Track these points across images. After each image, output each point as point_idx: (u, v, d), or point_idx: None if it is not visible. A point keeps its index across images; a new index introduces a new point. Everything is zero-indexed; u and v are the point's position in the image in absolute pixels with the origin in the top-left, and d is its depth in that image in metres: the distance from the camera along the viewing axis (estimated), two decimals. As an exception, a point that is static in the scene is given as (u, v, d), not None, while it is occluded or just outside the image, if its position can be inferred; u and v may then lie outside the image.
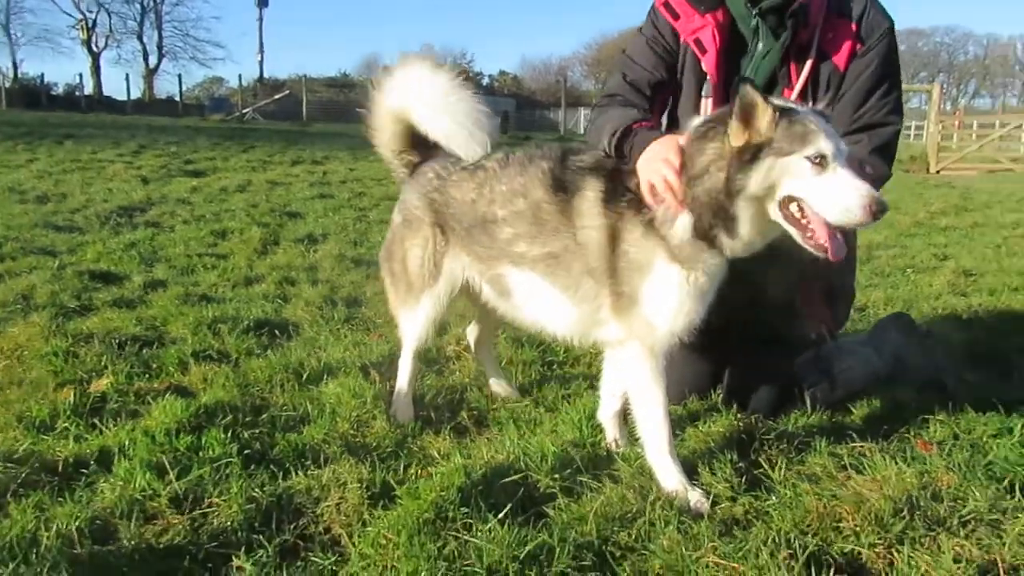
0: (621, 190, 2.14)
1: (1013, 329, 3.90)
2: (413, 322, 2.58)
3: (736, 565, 1.66)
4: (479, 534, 1.78)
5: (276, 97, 40.16)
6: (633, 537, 1.82)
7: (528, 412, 2.67)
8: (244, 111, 34.18)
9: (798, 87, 2.43)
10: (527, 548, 1.73)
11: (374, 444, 2.37)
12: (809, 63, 2.43)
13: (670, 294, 2.06)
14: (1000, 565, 1.68)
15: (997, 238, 7.03)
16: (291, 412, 2.57)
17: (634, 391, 2.21)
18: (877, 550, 1.75)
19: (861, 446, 2.28)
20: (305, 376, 2.88)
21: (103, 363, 2.96)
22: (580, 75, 64.67)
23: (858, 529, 1.81)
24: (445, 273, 2.50)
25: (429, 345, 3.29)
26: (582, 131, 40.64)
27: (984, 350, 3.45)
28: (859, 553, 1.76)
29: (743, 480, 2.08)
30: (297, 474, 2.11)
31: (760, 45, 2.47)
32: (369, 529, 1.84)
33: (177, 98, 37.69)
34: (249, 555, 1.73)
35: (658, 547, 1.76)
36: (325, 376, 2.87)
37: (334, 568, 1.72)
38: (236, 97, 39.28)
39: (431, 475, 2.07)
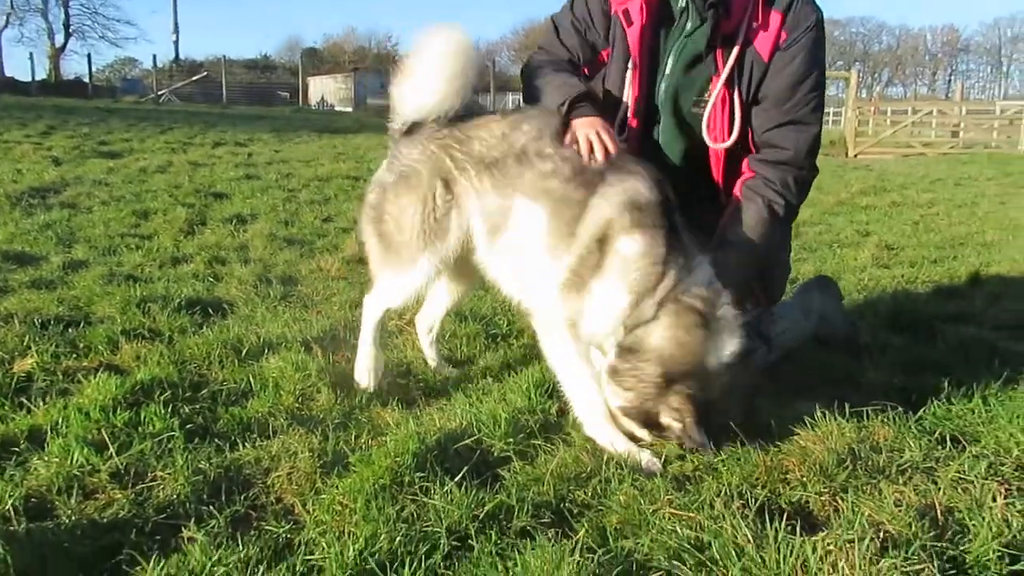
0: None
1: (934, 297, 4.09)
2: (400, 284, 2.45)
3: (692, 515, 1.69)
4: (437, 497, 1.76)
5: (194, 79, 38.81)
6: (590, 495, 1.84)
7: (476, 382, 2.65)
8: (160, 93, 32.89)
9: (724, 74, 2.46)
10: (486, 508, 1.73)
11: (321, 416, 2.32)
12: (735, 51, 2.44)
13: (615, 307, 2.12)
14: (937, 508, 1.75)
15: (915, 215, 7.37)
16: (233, 387, 2.49)
17: (561, 369, 2.25)
18: (823, 498, 1.81)
19: (802, 405, 2.35)
20: (244, 351, 2.80)
21: (25, 343, 2.81)
22: (508, 60, 64.50)
23: (804, 480, 1.87)
24: (452, 229, 2.39)
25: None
26: (510, 116, 40.72)
27: (908, 319, 3.60)
28: (807, 501, 1.82)
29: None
30: (244, 446, 2.06)
31: (688, 24, 2.49)
32: (323, 497, 1.80)
33: (86, 79, 35.83)
34: (200, 525, 1.67)
35: (615, 503, 1.78)
36: (266, 351, 2.79)
37: (288, 536, 1.68)
38: (151, 79, 37.73)
39: (384, 443, 2.03)
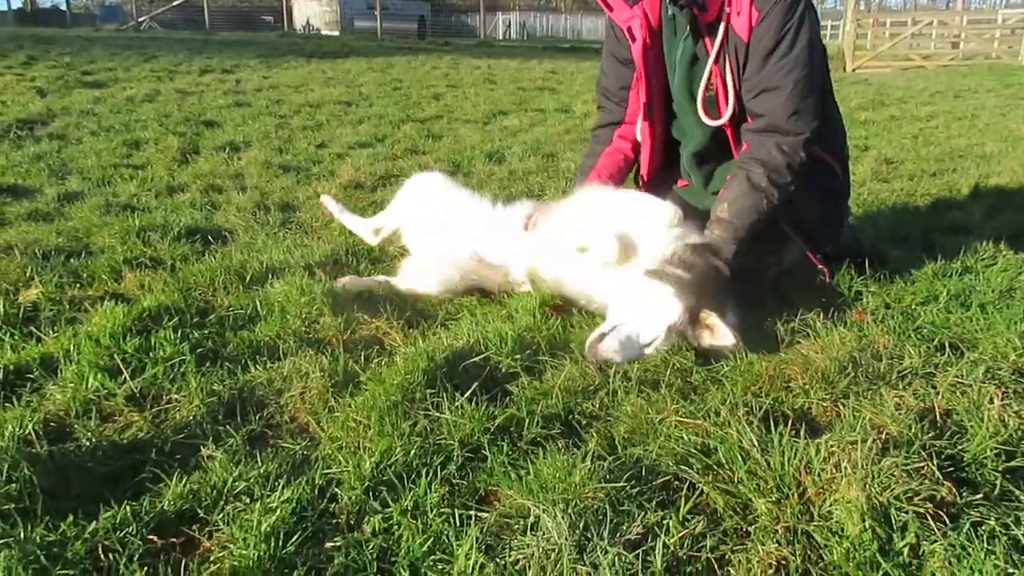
0: None
1: (933, 210, 4.09)
2: None
3: (698, 422, 1.73)
4: (448, 412, 1.80)
5: (174, 3, 37.58)
6: (597, 406, 1.88)
7: (481, 304, 2.68)
8: (140, 20, 31.90)
9: (712, 56, 2.58)
10: (497, 421, 1.77)
11: (328, 339, 2.34)
12: (719, 38, 2.55)
13: None
14: (936, 410, 1.80)
15: (914, 129, 7.30)
16: (239, 312, 2.51)
17: None
18: (824, 404, 1.86)
19: (804, 317, 2.38)
20: (248, 277, 2.80)
21: (29, 274, 2.81)
22: (497, -22, 62.54)
23: (807, 387, 1.91)
24: None
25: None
26: (500, 37, 39.75)
27: (907, 231, 3.61)
28: (809, 407, 1.86)
29: (694, 353, 2.16)
30: (256, 368, 2.08)
31: (677, 30, 2.66)
32: (337, 415, 1.84)
33: (64, 7, 34.73)
34: (218, 444, 1.71)
35: (623, 413, 1.82)
36: (269, 277, 2.80)
37: (305, 452, 1.72)
38: (130, 5, 36.55)
39: (394, 362, 2.06)
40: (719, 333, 2.15)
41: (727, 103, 2.61)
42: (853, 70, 19.06)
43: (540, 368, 2.08)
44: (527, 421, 1.77)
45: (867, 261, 2.88)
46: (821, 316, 2.42)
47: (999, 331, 2.33)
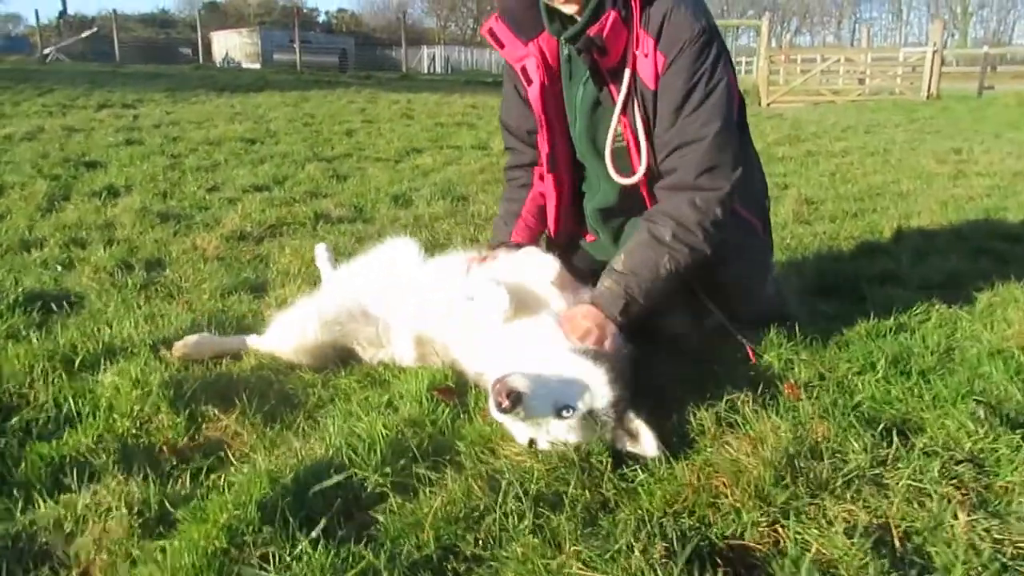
0: None
1: (858, 255, 3.89)
2: None
3: (605, 572, 1.36)
4: (286, 562, 1.38)
5: (83, 35, 36.19)
6: (481, 542, 1.49)
7: (358, 389, 2.27)
8: (46, 51, 30.52)
9: (618, 107, 2.26)
10: (350, 574, 1.36)
11: (160, 446, 1.89)
12: (624, 86, 2.23)
13: None
14: (893, 531, 1.48)
15: (830, 166, 7.25)
16: (52, 413, 2.03)
17: None
18: (761, 528, 1.51)
19: (731, 398, 2.05)
20: (78, 362, 2.33)
21: None
22: (421, 12, 62.96)
23: (738, 504, 1.57)
24: None
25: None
26: (425, 70, 39.63)
27: (834, 280, 3.38)
28: (742, 532, 1.51)
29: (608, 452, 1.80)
30: (47, 501, 1.62)
31: (586, 71, 2.29)
32: (139, 570, 1.40)
33: (-38, 37, 32.97)
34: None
35: (512, 554, 1.44)
36: (104, 361, 2.33)
37: (84, 636, 1.28)
38: (35, 37, 35.01)
39: (226, 487, 1.63)
40: (643, 441, 1.79)
41: (640, 158, 2.29)
42: (768, 104, 19.51)
43: (416, 485, 1.68)
44: (389, 570, 1.37)
45: (795, 323, 2.59)
46: (750, 397, 2.10)
47: (946, 409, 2.05)
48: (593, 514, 1.59)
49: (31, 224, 4.38)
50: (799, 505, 1.55)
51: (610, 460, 1.75)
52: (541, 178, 2.58)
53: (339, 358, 2.45)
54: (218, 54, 40.14)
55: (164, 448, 1.86)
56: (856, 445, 1.79)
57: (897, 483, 1.65)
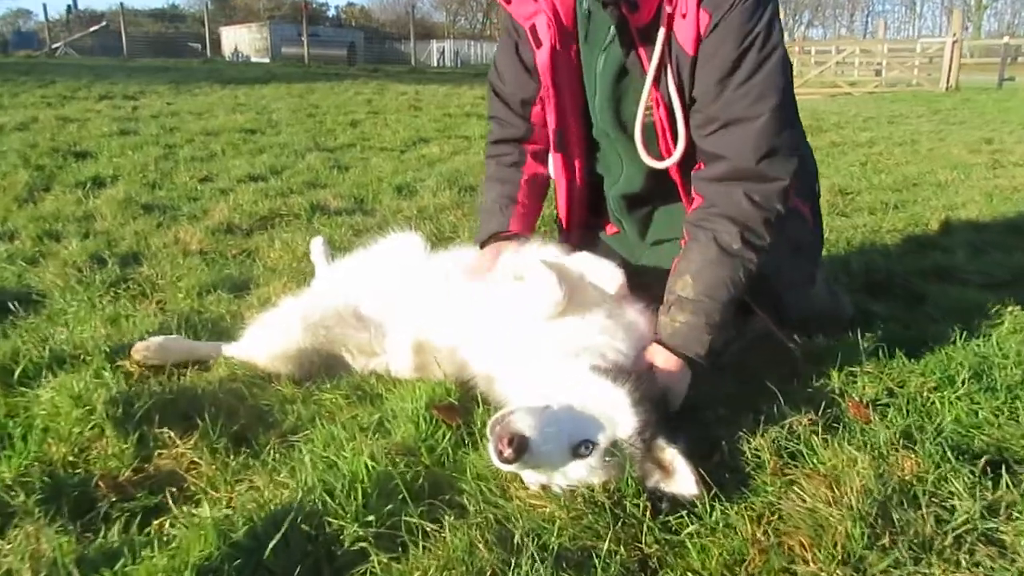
0: None
1: (905, 249, 3.52)
2: None
3: None
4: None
5: (92, 30, 36.01)
6: (489, 624, 1.15)
7: (346, 406, 1.93)
8: (54, 46, 30.34)
9: (649, 75, 1.89)
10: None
11: (101, 479, 1.55)
12: (658, 51, 1.86)
13: None
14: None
15: (859, 156, 6.86)
16: (-25, 436, 1.70)
17: None
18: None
19: (791, 420, 1.70)
20: (18, 372, 1.99)
21: None
22: (430, 6, 62.65)
23: (823, 573, 1.21)
24: None
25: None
26: (435, 64, 39.25)
27: (884, 277, 3.01)
28: None
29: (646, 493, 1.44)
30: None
31: (611, 30, 1.93)
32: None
33: (-29, 32, 32.83)
34: None
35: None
36: (47, 372, 1.99)
37: None
38: (44, 32, 34.84)
39: (160, 544, 1.29)
40: (679, 477, 1.43)
41: (671, 138, 1.93)
42: (784, 96, 19.08)
43: (406, 539, 1.33)
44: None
45: (852, 327, 2.23)
46: (808, 419, 1.74)
47: (1050, 434, 1.69)
48: (630, 582, 1.24)
49: (5, 215, 4.05)
50: (903, 574, 1.19)
51: (648, 504, 1.40)
52: (535, 156, 2.22)
53: (325, 367, 2.11)
54: (227, 49, 39.87)
55: (101, 483, 1.52)
56: (957, 485, 1.43)
57: (1018, 539, 1.29)
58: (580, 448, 1.42)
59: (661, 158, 1.97)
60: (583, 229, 2.27)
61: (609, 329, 1.76)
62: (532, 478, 1.47)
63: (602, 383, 1.54)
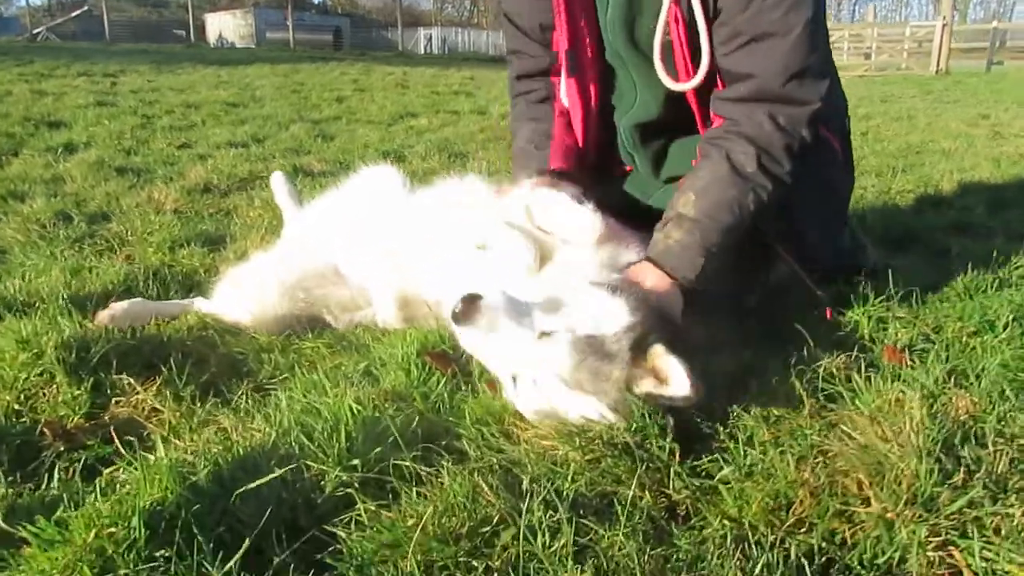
0: None
1: (920, 208, 3.36)
2: None
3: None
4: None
5: (74, 14, 35.41)
6: (496, 574, 0.96)
7: (328, 355, 1.74)
8: (36, 31, 29.76)
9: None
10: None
11: (48, 424, 1.36)
12: None
13: None
14: None
15: (858, 127, 6.70)
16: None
17: None
18: (929, 552, 0.98)
19: (820, 364, 1.53)
20: (-36, 320, 1.79)
21: None
22: (417, -9, 62.08)
23: (890, 514, 1.03)
24: None
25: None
26: (421, 51, 38.82)
27: (901, 234, 2.85)
28: (904, 558, 0.98)
29: (669, 435, 1.26)
30: None
31: None
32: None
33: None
34: None
35: (546, 596, 0.91)
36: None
37: None
38: (26, 18, 34.21)
39: (111, 489, 1.10)
40: (672, 375, 1.26)
41: (693, 56, 1.74)
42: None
43: (397, 485, 1.14)
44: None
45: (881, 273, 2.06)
46: (843, 361, 1.57)
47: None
48: (661, 528, 1.06)
49: (-32, 178, 3.82)
50: (981, 515, 1.02)
51: (676, 446, 1.22)
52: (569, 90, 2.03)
53: (306, 324, 1.93)
54: (212, 35, 39.27)
55: (47, 430, 1.33)
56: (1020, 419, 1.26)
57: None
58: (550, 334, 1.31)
59: (678, 82, 1.78)
60: (597, 166, 2.08)
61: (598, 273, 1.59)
62: (500, 369, 1.35)
63: (592, 288, 1.39)
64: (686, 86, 1.76)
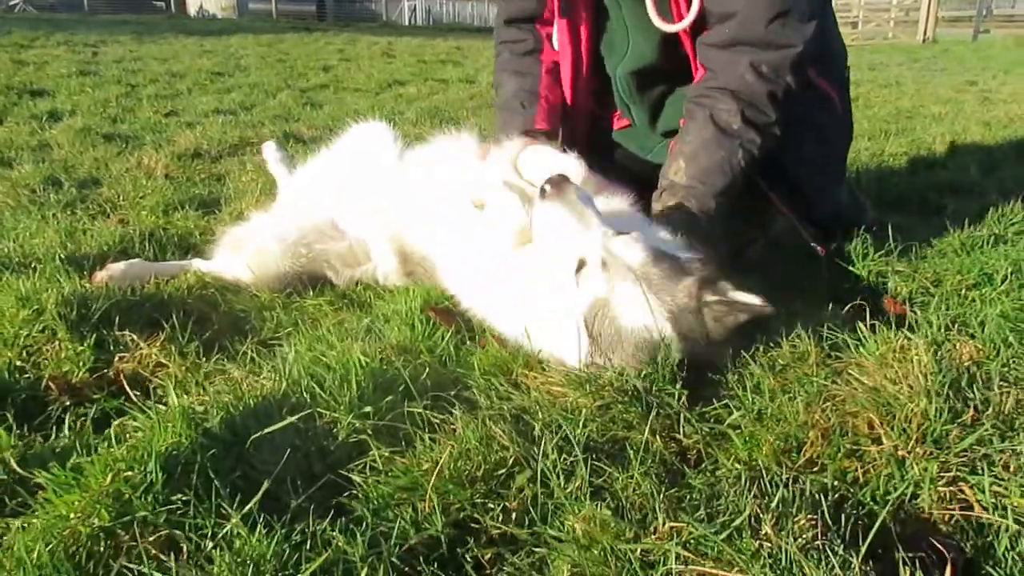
0: None
1: (914, 169, 3.37)
2: None
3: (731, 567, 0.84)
4: (205, 550, 0.85)
5: (50, -15, 34.63)
6: (513, 515, 0.97)
7: (331, 312, 1.73)
8: (12, 3, 29.13)
9: None
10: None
11: (52, 379, 1.35)
12: None
13: None
14: None
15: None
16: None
17: None
18: (940, 488, 0.99)
19: (828, 313, 1.54)
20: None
21: None
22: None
23: (901, 452, 1.04)
24: None
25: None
26: (406, 22, 38.31)
27: (898, 194, 2.86)
28: (916, 494, 1.00)
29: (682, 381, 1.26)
30: None
31: None
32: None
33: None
34: None
35: (565, 532, 0.91)
36: (-4, 277, 1.77)
37: None
38: (1, -12, 33.46)
39: (123, 436, 1.09)
40: (750, 298, 1.29)
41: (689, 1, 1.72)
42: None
43: (411, 431, 1.15)
44: (369, 565, 0.85)
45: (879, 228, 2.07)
46: (845, 312, 1.58)
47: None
48: (674, 470, 1.07)
49: (-49, 146, 3.76)
50: (990, 452, 1.03)
51: (685, 393, 1.22)
52: (549, 38, 2.00)
53: (307, 281, 1.92)
54: (192, 7, 38.58)
55: (52, 384, 1.32)
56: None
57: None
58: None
59: (672, 23, 1.77)
60: (588, 115, 2.06)
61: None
62: (591, 286, 1.34)
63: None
64: (677, 27, 1.75)
